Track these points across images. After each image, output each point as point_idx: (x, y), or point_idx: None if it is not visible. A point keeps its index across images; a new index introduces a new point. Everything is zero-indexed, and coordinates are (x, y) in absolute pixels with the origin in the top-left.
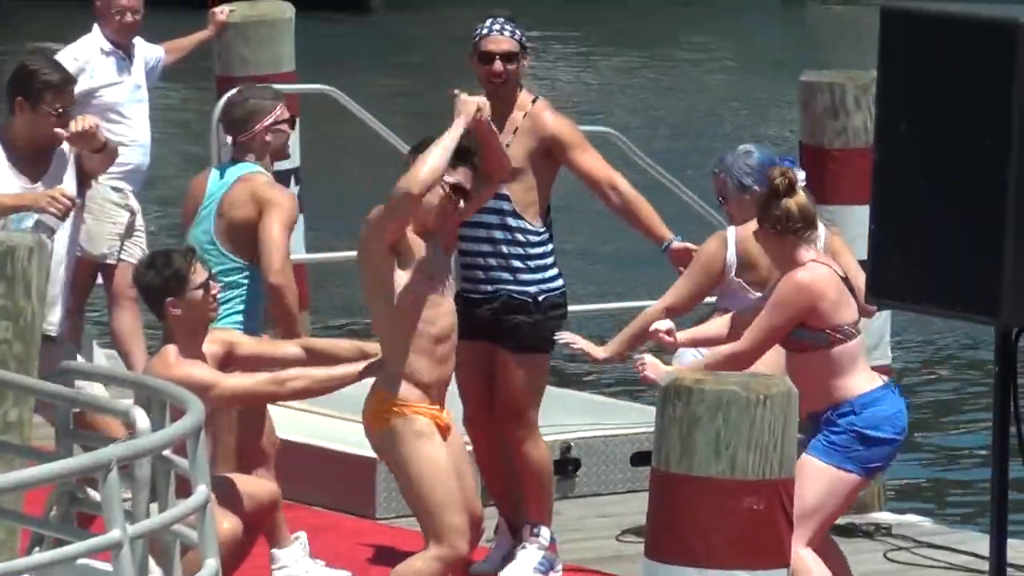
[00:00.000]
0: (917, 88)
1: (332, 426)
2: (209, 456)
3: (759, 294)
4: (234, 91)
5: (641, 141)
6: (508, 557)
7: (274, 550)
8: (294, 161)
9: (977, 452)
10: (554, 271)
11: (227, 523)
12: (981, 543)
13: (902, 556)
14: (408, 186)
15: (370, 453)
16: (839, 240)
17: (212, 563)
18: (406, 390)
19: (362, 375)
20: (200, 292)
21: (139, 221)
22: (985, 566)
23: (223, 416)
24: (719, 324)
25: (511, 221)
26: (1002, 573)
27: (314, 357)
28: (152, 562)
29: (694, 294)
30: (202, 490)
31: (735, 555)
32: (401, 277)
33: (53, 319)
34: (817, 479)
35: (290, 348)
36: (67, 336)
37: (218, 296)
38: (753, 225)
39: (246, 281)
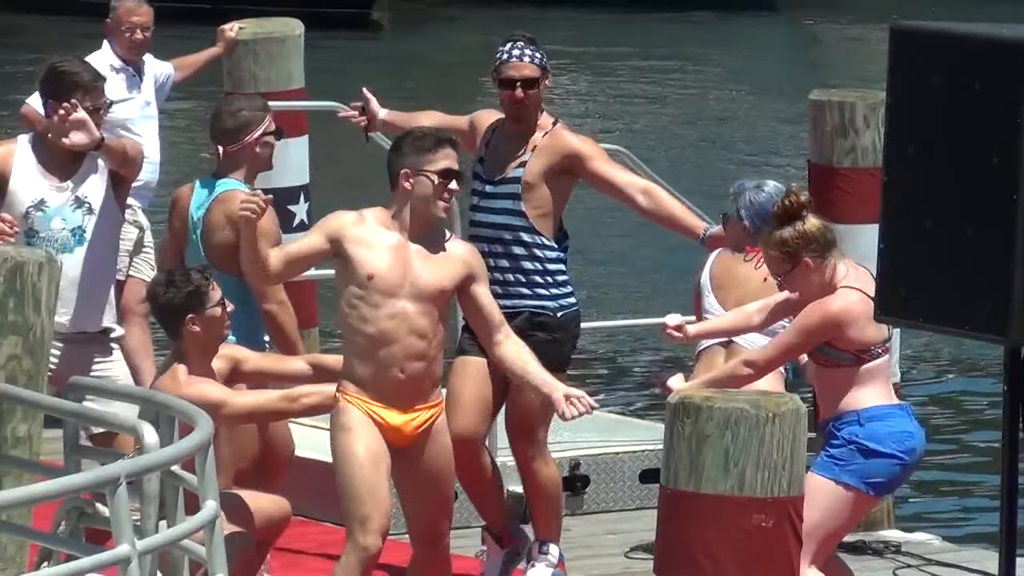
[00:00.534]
0: (926, 107)
1: None
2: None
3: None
4: (223, 100)
5: (650, 160)
6: (505, 569)
7: None
8: (303, 178)
9: (987, 470)
10: (569, 288)
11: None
12: (991, 561)
13: (911, 574)
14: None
15: None
16: None
17: None
18: (343, 384)
19: None
20: (219, 309)
21: (147, 237)
22: None
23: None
24: (730, 317)
25: (526, 236)
26: None
27: (321, 373)
28: None
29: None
30: (211, 505)
31: (743, 572)
32: (347, 277)
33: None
34: (816, 495)
35: (298, 364)
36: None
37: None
38: (726, 253)
39: (242, 297)
